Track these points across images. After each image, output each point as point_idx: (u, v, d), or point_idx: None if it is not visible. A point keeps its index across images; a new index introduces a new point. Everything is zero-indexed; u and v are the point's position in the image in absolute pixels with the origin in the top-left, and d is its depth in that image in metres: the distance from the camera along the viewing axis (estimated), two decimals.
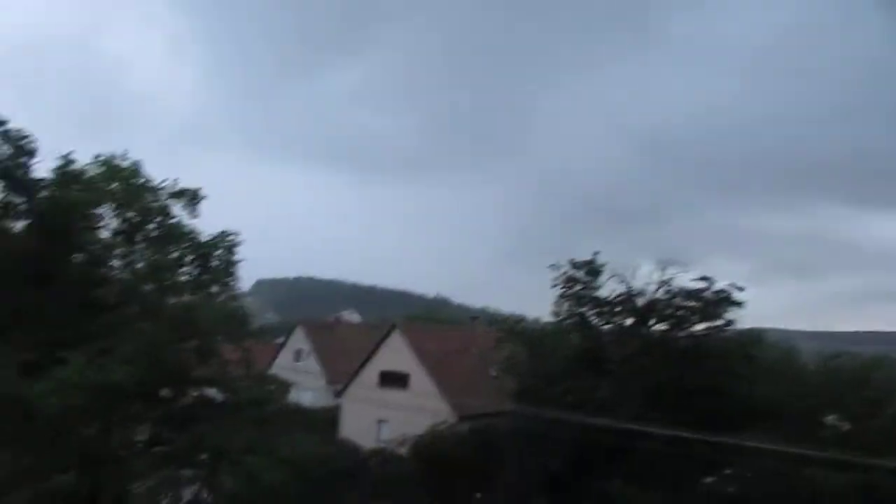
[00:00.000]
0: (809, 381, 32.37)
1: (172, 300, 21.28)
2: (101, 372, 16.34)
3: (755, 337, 30.32)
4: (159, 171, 21.55)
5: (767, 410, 27.57)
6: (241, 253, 22.52)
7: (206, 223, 22.69)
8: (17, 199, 19.99)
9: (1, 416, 16.02)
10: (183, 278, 22.07)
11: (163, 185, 21.33)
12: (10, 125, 19.66)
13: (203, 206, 21.96)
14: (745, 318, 29.04)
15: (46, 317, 18.49)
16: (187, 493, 21.85)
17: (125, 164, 20.86)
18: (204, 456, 20.34)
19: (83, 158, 20.60)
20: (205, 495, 21.51)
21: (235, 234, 22.44)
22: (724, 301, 28.28)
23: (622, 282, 29.85)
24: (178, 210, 21.71)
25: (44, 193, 19.89)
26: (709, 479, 26.01)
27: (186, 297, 21.85)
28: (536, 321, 36.48)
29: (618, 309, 30.47)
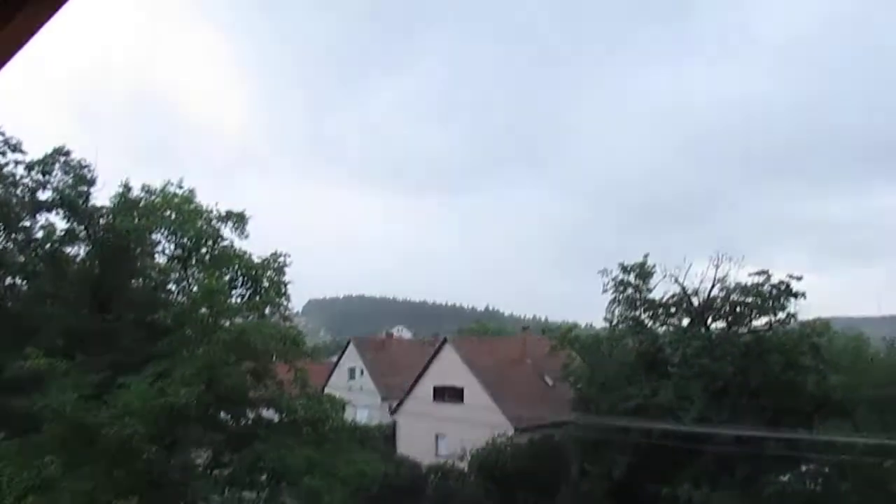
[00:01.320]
0: (882, 369, 30.75)
1: (227, 322, 21.61)
2: (161, 395, 16.66)
3: (820, 327, 29.05)
4: (215, 194, 22.18)
5: (840, 402, 26.35)
6: (291, 274, 22.78)
7: (258, 245, 23.13)
8: (78, 227, 20.77)
9: (65, 441, 16.46)
10: (236, 301, 22.45)
11: (213, 209, 21.80)
12: (72, 155, 20.54)
13: (255, 229, 22.40)
14: (807, 309, 27.96)
15: (107, 341, 19.04)
16: None
17: (180, 191, 21.44)
18: (263, 477, 20.48)
19: (145, 183, 21.35)
20: None
21: (285, 255, 22.72)
22: (783, 293, 27.26)
23: (675, 282, 29.15)
24: (228, 233, 22.16)
25: (103, 221, 20.59)
26: (784, 478, 24.87)
27: (240, 319, 22.18)
28: (590, 327, 35.90)
29: (673, 310, 29.72)
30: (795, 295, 27.16)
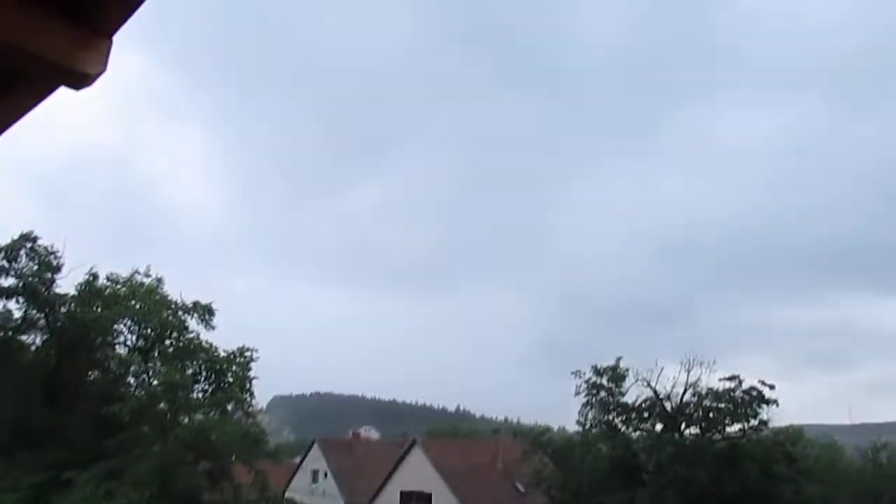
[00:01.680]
0: (856, 478, 30.30)
1: (186, 419, 20.76)
2: (108, 499, 15.65)
3: (793, 435, 28.77)
4: (185, 286, 21.96)
5: None
6: (258, 369, 22.24)
7: (226, 339, 22.68)
8: (37, 315, 20.14)
9: None
10: (198, 395, 21.69)
11: (180, 300, 21.45)
12: (40, 242, 20.22)
13: (224, 322, 22.04)
14: (780, 416, 27.77)
15: (57, 436, 18.03)
16: None
17: (147, 280, 21.12)
18: None
19: (114, 271, 20.99)
20: None
21: (252, 350, 22.26)
22: (755, 399, 27.15)
23: (648, 386, 28.95)
24: (194, 325, 21.71)
25: (64, 309, 20.02)
26: None
27: (201, 416, 21.35)
28: (562, 431, 35.18)
29: (646, 415, 29.33)
30: (768, 402, 27.08)
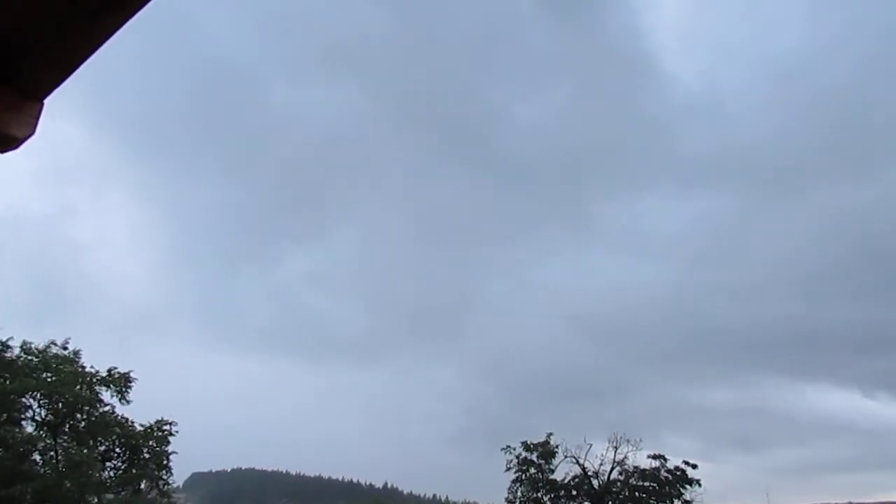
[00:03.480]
0: None
1: (94, 499, 19.50)
2: None
3: None
4: (107, 358, 20.98)
5: None
6: (177, 444, 21.30)
7: (145, 413, 21.68)
8: None
9: None
10: (110, 473, 20.50)
11: (96, 372, 20.49)
12: None
13: (144, 395, 21.13)
14: (703, 497, 28.29)
15: None
16: None
17: (63, 351, 20.16)
18: None
19: (26, 341, 19.84)
20: None
21: (171, 423, 21.35)
22: (680, 480, 27.68)
23: (577, 463, 29.11)
24: (109, 398, 20.71)
25: None
26: None
27: (111, 495, 20.11)
28: None
29: (574, 492, 29.35)
30: (691, 482, 27.64)
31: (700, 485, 27.52)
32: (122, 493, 20.83)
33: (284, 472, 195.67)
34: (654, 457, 28.40)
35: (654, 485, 27.80)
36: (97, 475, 19.83)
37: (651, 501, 28.07)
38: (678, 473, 27.74)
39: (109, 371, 20.93)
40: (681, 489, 27.59)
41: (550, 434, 29.82)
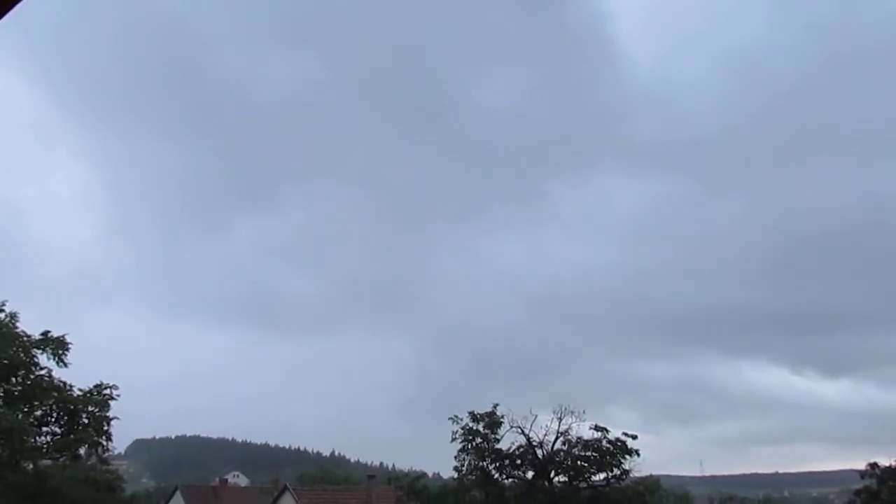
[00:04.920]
0: None
1: (29, 465, 18.91)
2: None
3: (652, 485, 30.43)
4: (46, 323, 20.12)
5: None
6: (118, 409, 20.74)
7: (87, 379, 21.04)
8: None
9: None
10: (47, 439, 19.88)
11: (31, 336, 19.71)
12: None
13: (86, 362, 20.48)
14: (641, 466, 29.28)
15: None
16: None
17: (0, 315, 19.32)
18: None
19: None
20: None
21: (111, 387, 20.77)
22: (619, 450, 28.53)
23: (522, 433, 29.67)
24: (46, 361, 19.97)
25: None
26: None
27: (47, 462, 19.55)
28: (438, 477, 35.16)
29: (519, 462, 29.96)
30: (630, 452, 28.52)
31: (639, 454, 28.51)
32: (60, 458, 20.27)
33: (230, 439, 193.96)
34: (597, 428, 29.18)
35: (596, 454, 28.61)
36: (32, 440, 19.22)
37: (592, 470, 28.92)
38: (619, 444, 28.59)
39: (44, 334, 20.19)
40: (621, 459, 28.48)
41: (497, 405, 30.30)
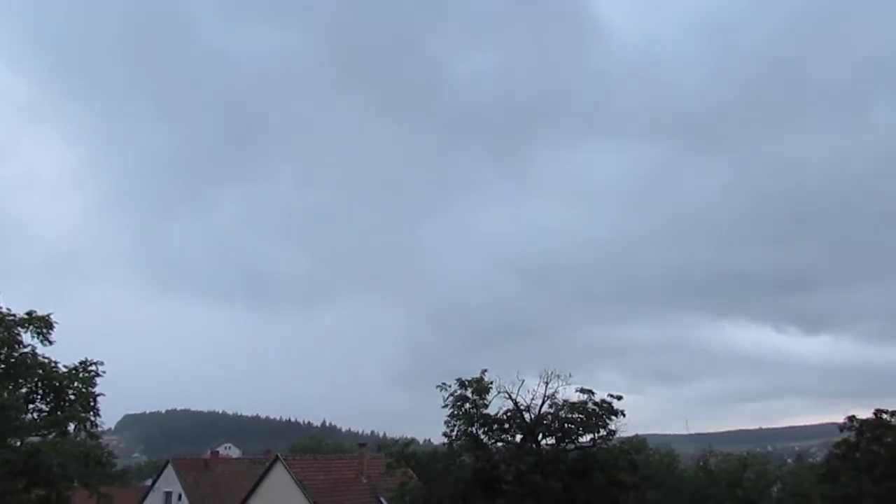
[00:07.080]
0: (689, 483, 33.29)
1: (17, 442, 18.90)
2: None
3: (638, 444, 31.06)
4: (34, 300, 19.99)
5: None
6: (106, 385, 20.74)
7: (74, 355, 20.99)
8: None
9: None
10: (34, 416, 19.87)
11: (14, 313, 19.55)
12: None
13: (75, 338, 20.42)
14: (627, 427, 29.81)
15: None
16: None
17: None
18: None
19: None
20: None
21: (97, 363, 20.73)
22: (605, 411, 28.98)
23: (510, 398, 30.00)
24: (30, 339, 19.88)
25: None
26: None
27: (37, 438, 19.53)
28: (428, 444, 35.60)
29: (507, 426, 30.35)
30: (616, 413, 28.99)
31: (624, 415, 28.98)
32: (50, 435, 20.28)
33: (221, 412, 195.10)
34: (583, 391, 29.57)
35: (582, 416, 29.05)
36: (22, 417, 19.22)
37: (579, 432, 29.41)
38: (605, 405, 29.04)
39: (28, 314, 20.08)
40: (606, 420, 28.97)
41: (485, 371, 30.56)
